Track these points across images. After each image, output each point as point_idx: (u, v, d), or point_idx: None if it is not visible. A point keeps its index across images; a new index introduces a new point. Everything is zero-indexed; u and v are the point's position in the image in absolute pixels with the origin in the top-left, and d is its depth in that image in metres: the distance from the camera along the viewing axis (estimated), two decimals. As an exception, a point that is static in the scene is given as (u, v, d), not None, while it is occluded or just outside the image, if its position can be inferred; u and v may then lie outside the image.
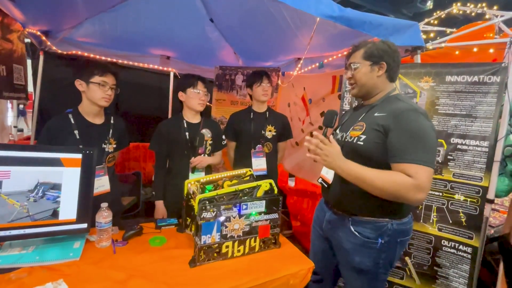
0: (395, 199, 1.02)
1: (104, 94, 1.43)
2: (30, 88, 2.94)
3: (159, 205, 1.71)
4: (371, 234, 1.14)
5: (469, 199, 1.53)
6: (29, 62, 3.08)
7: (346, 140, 1.21)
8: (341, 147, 1.16)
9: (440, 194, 1.60)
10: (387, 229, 1.13)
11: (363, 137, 1.13)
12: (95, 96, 1.42)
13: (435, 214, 1.61)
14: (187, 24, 2.52)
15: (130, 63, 3.22)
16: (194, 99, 1.68)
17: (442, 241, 1.59)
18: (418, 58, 1.68)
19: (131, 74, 3.45)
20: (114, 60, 3.11)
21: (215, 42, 2.85)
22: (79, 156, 1.15)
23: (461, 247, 1.55)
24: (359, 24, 1.44)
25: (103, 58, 2.98)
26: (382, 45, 1.16)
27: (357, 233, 1.16)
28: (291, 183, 3.37)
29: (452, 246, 1.57)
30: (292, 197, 3.17)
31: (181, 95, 1.71)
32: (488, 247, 1.85)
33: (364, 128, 1.14)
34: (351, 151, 1.14)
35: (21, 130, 4.62)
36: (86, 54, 2.85)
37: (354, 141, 1.15)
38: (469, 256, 1.53)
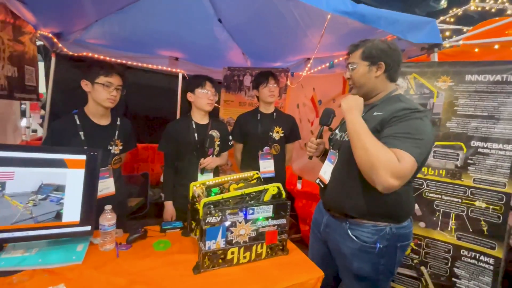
0: (369, 173, 0.95)
1: (109, 95, 1.41)
2: (43, 89, 3.01)
3: (168, 205, 1.70)
4: (368, 238, 1.10)
5: (491, 207, 1.43)
6: (42, 64, 3.16)
7: (343, 139, 1.19)
8: (339, 147, 1.18)
9: (459, 200, 1.51)
10: (386, 233, 1.08)
11: None
12: (100, 97, 1.40)
13: (453, 221, 1.52)
14: (195, 24, 2.50)
15: (139, 64, 3.24)
16: (203, 99, 1.66)
17: (462, 250, 1.50)
18: (435, 57, 1.60)
19: (140, 75, 3.47)
20: (124, 61, 3.13)
21: (223, 43, 2.83)
22: (83, 157, 1.13)
23: (482, 257, 1.45)
24: (374, 20, 1.38)
25: (113, 59, 3.01)
26: (381, 45, 1.12)
27: (354, 237, 1.12)
28: (300, 185, 3.30)
29: (473, 256, 1.47)
30: (300, 200, 3.10)
31: (189, 96, 1.68)
32: (510, 257, 1.73)
33: None
34: (348, 151, 1.11)
35: (35, 131, 4.73)
36: (96, 55, 2.88)
37: None
38: (491, 267, 1.43)
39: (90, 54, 2.85)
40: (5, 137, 2.56)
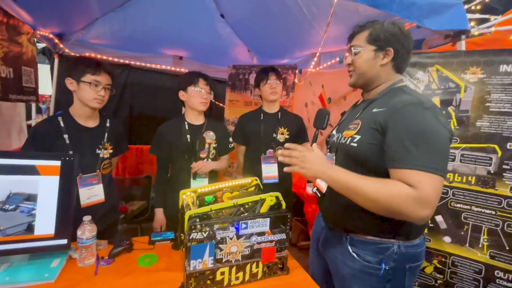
0: (394, 216, 0.81)
1: (96, 95, 1.31)
2: (49, 91, 3.00)
3: (158, 213, 1.58)
4: (372, 257, 0.94)
5: (533, 221, 1.20)
6: (48, 66, 3.15)
7: (340, 141, 1.02)
8: (335, 151, 1.04)
9: (493, 212, 1.29)
10: (393, 253, 0.92)
11: (357, 137, 0.93)
12: (86, 97, 1.30)
13: (485, 237, 1.30)
14: (197, 20, 2.39)
15: (143, 64, 3.17)
16: (196, 98, 1.52)
17: (496, 271, 1.28)
18: (462, 45, 1.38)
19: (144, 75, 3.40)
20: (127, 61, 3.07)
21: (228, 39, 2.71)
22: (57, 163, 1.02)
23: (521, 280, 1.23)
24: (386, 4, 1.19)
25: (116, 59, 2.95)
26: (392, 28, 0.95)
27: (355, 255, 0.96)
28: (309, 189, 3.11)
29: (510, 279, 1.25)
30: (310, 205, 2.91)
31: (182, 95, 1.56)
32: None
33: (359, 127, 0.95)
34: (345, 155, 0.96)
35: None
36: (99, 56, 2.83)
37: (347, 142, 0.96)
38: (534, 293, 1.20)
39: (93, 55, 2.80)
40: (10, 140, 2.54)
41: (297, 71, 2.79)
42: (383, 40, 0.94)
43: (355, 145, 0.93)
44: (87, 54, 2.77)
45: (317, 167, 0.87)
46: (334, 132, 1.13)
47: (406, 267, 0.93)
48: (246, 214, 1.04)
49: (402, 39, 0.94)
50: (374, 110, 0.93)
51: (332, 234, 1.06)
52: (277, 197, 1.09)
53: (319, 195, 1.09)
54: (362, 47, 0.97)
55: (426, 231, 1.40)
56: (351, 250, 0.97)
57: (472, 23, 3.26)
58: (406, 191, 0.76)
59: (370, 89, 1.03)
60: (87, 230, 1.06)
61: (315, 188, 1.12)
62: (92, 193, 1.37)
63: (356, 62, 0.99)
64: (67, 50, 2.64)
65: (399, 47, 0.94)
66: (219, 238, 0.97)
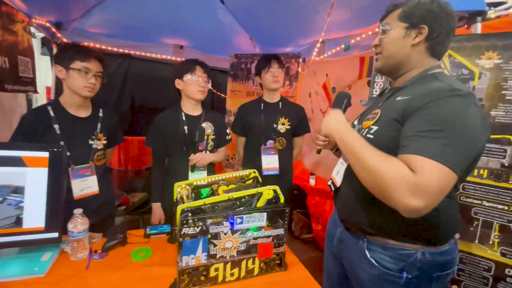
0: (380, 196, 0.72)
1: (87, 83, 1.25)
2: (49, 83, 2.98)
3: (156, 208, 1.54)
4: (392, 264, 0.83)
5: (549, 217, 1.12)
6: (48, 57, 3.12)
7: (359, 133, 0.93)
8: None
9: (505, 207, 1.21)
10: (416, 260, 0.81)
11: (375, 128, 0.85)
12: (76, 85, 1.25)
13: (496, 233, 1.23)
14: (197, 7, 2.30)
15: (143, 54, 3.10)
16: (193, 86, 1.46)
17: (507, 270, 1.21)
18: (477, 28, 1.28)
19: (145, 65, 3.34)
20: (127, 51, 3.01)
21: (229, 27, 2.61)
22: (45, 154, 0.98)
23: (534, 279, 1.16)
24: (396, -19, 1.09)
25: (115, 49, 2.89)
26: (429, 4, 0.81)
27: (373, 261, 0.86)
28: (313, 181, 3.06)
29: (522, 277, 1.18)
30: (313, 197, 2.86)
31: (178, 83, 1.49)
32: None
33: (377, 117, 0.86)
34: None
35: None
36: (98, 45, 2.77)
37: (364, 133, 0.87)
38: (547, 292, 1.13)
39: (91, 44, 2.74)
40: (11, 131, 2.54)
41: (300, 60, 2.69)
42: (417, 17, 0.81)
43: (371, 136, 0.84)
44: (86, 44, 2.72)
45: (335, 124, 0.86)
46: (355, 122, 1.04)
47: (433, 275, 0.82)
48: (241, 208, 0.99)
49: (441, 16, 0.80)
50: (398, 98, 0.83)
51: (348, 235, 0.97)
52: (275, 191, 1.03)
53: (333, 189, 1.01)
54: (393, 25, 0.85)
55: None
56: (368, 255, 0.88)
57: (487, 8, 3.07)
58: (405, 173, 0.66)
59: (399, 76, 0.91)
60: (78, 223, 1.03)
61: (330, 180, 1.04)
62: (85, 184, 1.33)
63: (383, 42, 0.87)
64: (65, 40, 2.58)
65: (436, 25, 0.80)
66: (213, 233, 0.93)
